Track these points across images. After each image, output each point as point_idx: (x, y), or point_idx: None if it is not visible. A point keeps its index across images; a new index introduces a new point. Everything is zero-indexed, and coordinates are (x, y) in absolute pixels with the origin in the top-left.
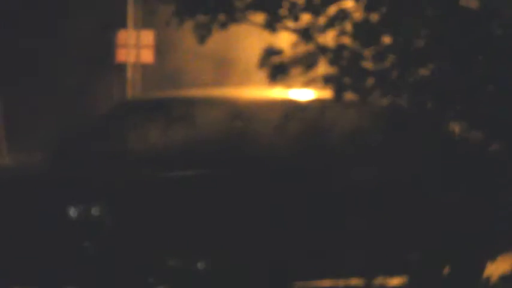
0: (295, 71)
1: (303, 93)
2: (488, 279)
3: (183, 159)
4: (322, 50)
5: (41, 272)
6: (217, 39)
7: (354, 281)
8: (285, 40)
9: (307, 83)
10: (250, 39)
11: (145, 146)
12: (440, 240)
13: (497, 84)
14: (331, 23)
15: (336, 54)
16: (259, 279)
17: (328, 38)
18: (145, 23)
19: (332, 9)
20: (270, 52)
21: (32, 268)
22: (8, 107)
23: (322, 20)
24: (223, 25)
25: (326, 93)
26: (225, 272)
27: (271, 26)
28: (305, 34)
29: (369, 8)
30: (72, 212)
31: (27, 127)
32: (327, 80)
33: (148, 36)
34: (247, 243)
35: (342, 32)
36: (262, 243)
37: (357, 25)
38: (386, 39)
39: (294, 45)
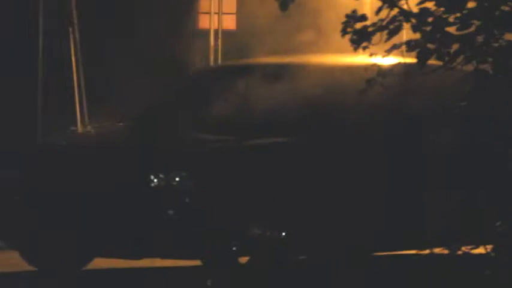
0: (379, 37)
1: (387, 60)
2: None
3: (266, 127)
4: (406, 15)
5: (124, 241)
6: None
7: (438, 250)
8: (368, 6)
9: (391, 50)
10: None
11: (229, 113)
12: None
13: None
14: None
15: (419, 20)
16: (341, 248)
17: (412, 4)
18: None
19: None
20: (353, 18)
21: (114, 238)
22: (91, 73)
23: None
24: None
25: (410, 60)
26: (305, 242)
27: None
28: (388, 0)
29: None
30: (155, 180)
31: (108, 94)
32: (411, 46)
33: (230, 3)
34: (328, 212)
35: None
36: (344, 212)
37: None
38: (471, 4)
39: (378, 11)
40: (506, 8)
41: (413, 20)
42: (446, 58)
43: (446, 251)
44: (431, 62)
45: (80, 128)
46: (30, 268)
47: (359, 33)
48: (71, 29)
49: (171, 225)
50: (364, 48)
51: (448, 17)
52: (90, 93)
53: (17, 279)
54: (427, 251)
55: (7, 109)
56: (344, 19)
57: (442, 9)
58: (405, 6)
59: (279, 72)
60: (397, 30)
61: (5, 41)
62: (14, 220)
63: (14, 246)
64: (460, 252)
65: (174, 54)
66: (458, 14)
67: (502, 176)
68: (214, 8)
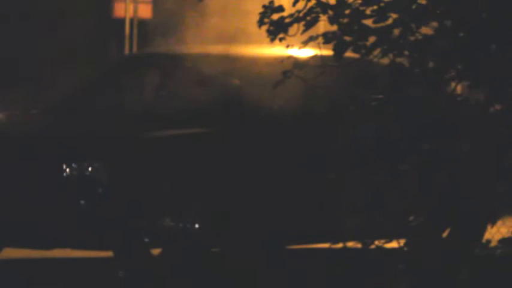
0: (296, 28)
1: (303, 52)
2: (488, 242)
3: (179, 118)
4: (323, 7)
5: (34, 231)
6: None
7: (351, 244)
8: None
9: (308, 41)
10: None
11: (141, 103)
12: (440, 202)
13: (500, 43)
14: None
15: (336, 12)
16: (254, 241)
17: None
18: None
19: None
20: (270, 9)
21: (24, 228)
22: (4, 57)
23: None
24: None
25: (326, 52)
26: (219, 234)
27: None
28: None
29: None
30: (68, 170)
31: (24, 81)
32: (328, 38)
33: None
34: (242, 204)
35: None
36: (257, 205)
37: None
38: None
39: (294, 2)
40: (423, 2)
41: (331, 12)
42: (363, 51)
43: (359, 245)
44: (348, 54)
45: None
46: None
47: (276, 24)
48: None
49: (83, 216)
50: (281, 39)
51: (365, 9)
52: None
53: None
54: (340, 245)
55: None
56: (261, 9)
57: (359, 1)
58: None
59: (194, 62)
60: (314, 22)
61: None
62: None
63: None
64: (373, 246)
65: (89, 42)
66: (375, 7)
67: (413, 172)
68: None
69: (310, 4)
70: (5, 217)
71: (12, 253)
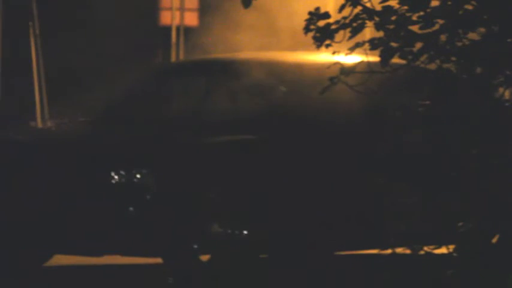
0: (342, 35)
1: (349, 58)
2: None
3: (227, 124)
4: (369, 13)
5: (84, 238)
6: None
7: (400, 250)
8: (331, 4)
9: (354, 48)
10: (296, 4)
11: (188, 110)
12: (489, 208)
13: None
14: None
15: (383, 18)
16: (302, 248)
17: (375, 2)
18: None
19: None
20: (316, 15)
21: (74, 235)
22: (50, 70)
23: None
24: None
25: (372, 58)
26: (266, 240)
27: None
28: None
29: None
30: (117, 177)
31: (68, 91)
32: (374, 45)
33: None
34: (290, 210)
35: None
36: (304, 211)
37: None
38: (435, 2)
39: (340, 9)
40: (470, 7)
41: (377, 18)
42: (410, 57)
43: (408, 251)
44: (395, 60)
45: (39, 124)
46: None
47: (322, 31)
48: (30, 23)
49: (132, 223)
50: (327, 46)
51: (411, 15)
52: (51, 88)
53: None
54: (389, 251)
55: None
56: (307, 17)
57: (405, 7)
58: (368, 4)
59: (241, 69)
60: (360, 28)
61: None
62: None
63: None
64: (422, 252)
65: (136, 50)
66: (421, 13)
67: (464, 177)
68: (176, 4)
69: (356, 10)
70: (55, 224)
71: (62, 260)
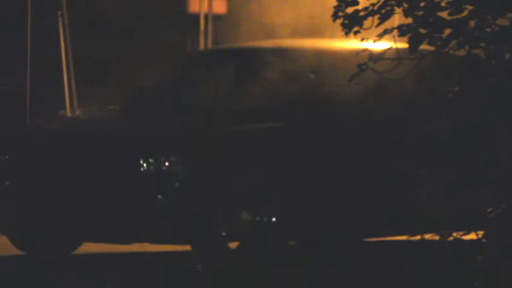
0: (370, 22)
1: (378, 45)
2: None
3: (256, 111)
4: (398, 0)
5: (113, 226)
6: None
7: (429, 236)
8: None
9: (382, 34)
10: None
11: (217, 97)
12: None
13: None
14: None
15: (411, 5)
16: (332, 234)
17: None
18: None
19: None
20: (345, 2)
21: (103, 222)
22: (80, 57)
23: None
24: None
25: (401, 45)
26: (295, 227)
27: None
28: None
29: None
30: (145, 165)
31: (97, 79)
32: (403, 31)
33: None
34: (319, 197)
35: None
36: (334, 197)
37: None
38: None
39: None
40: None
41: (405, 5)
42: (438, 43)
43: (437, 237)
44: (423, 47)
45: (68, 112)
46: (20, 253)
47: (350, 18)
48: (59, 12)
49: (160, 210)
50: (356, 32)
51: (440, 1)
52: (79, 77)
53: (5, 264)
54: (417, 237)
55: None
56: (335, 3)
57: None
58: None
59: (269, 57)
60: (388, 15)
61: None
62: (2, 205)
63: (2, 231)
64: (451, 238)
65: (164, 38)
66: None
67: (493, 163)
68: None
69: None
70: (84, 212)
71: (91, 247)
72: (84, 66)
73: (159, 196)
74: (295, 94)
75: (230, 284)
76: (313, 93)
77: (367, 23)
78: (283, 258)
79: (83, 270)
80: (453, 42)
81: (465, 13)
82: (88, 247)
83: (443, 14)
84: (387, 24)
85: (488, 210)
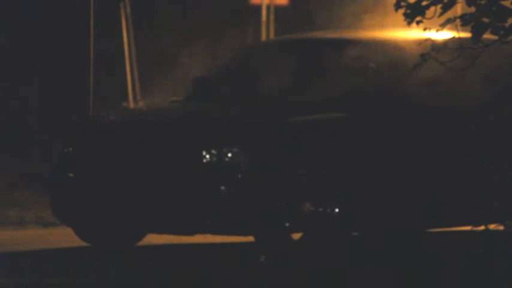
0: (433, 11)
1: (440, 34)
2: None
3: (318, 103)
4: None
5: (176, 218)
6: None
7: (493, 227)
8: None
9: (445, 24)
10: None
11: (279, 89)
12: None
13: None
14: None
15: None
16: (395, 225)
17: None
18: None
19: None
20: None
21: (166, 214)
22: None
23: None
24: None
25: (464, 34)
26: (358, 218)
27: None
28: None
29: None
30: (208, 156)
31: (159, 71)
32: (465, 20)
33: None
34: (382, 188)
35: None
36: (396, 188)
37: None
38: None
39: None
40: None
41: None
42: (502, 32)
43: (501, 227)
44: (486, 36)
45: (131, 104)
46: (85, 244)
47: (413, 7)
48: (121, 4)
49: (223, 201)
50: (418, 22)
51: None
52: (142, 69)
53: (71, 255)
54: (482, 227)
55: (58, 84)
56: None
57: None
58: None
59: (331, 48)
60: (451, 4)
61: (58, 16)
62: (67, 197)
63: (67, 223)
64: None
65: (226, 29)
66: None
67: None
68: None
69: None
70: (148, 204)
71: (155, 239)
72: (147, 57)
73: (222, 187)
74: (358, 85)
75: (293, 275)
76: (376, 83)
77: (429, 12)
78: (346, 249)
79: (146, 262)
80: None
81: None
82: (151, 239)
83: (507, 3)
84: (450, 14)
85: None
